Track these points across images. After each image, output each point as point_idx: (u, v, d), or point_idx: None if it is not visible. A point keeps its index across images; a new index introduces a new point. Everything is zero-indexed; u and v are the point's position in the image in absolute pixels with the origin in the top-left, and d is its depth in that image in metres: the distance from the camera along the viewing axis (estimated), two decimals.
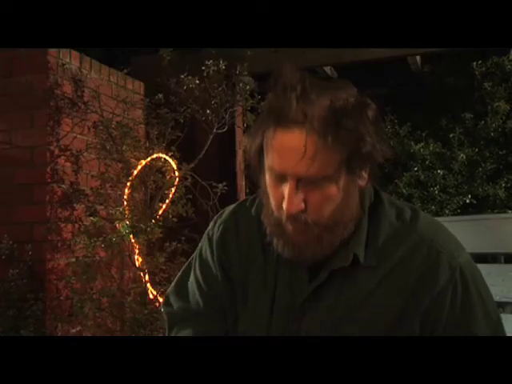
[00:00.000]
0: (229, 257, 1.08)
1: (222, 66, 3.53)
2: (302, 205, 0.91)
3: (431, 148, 5.48)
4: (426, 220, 1.00)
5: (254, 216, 1.06)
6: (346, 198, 0.93)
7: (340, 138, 0.87)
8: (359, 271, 0.96)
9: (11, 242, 3.18)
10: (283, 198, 0.91)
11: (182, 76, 3.52)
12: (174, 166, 3.32)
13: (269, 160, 0.93)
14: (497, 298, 2.22)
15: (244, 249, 1.07)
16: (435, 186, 5.43)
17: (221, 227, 1.11)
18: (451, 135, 5.55)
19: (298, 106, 0.87)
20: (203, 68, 3.55)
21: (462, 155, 5.41)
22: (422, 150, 5.50)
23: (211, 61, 3.52)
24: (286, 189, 0.91)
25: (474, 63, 5.62)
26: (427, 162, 5.54)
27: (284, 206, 0.91)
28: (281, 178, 0.92)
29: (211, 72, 3.52)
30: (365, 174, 0.95)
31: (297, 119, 0.87)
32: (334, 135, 0.86)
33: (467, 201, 5.33)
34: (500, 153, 5.52)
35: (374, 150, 0.90)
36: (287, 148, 0.88)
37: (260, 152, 0.95)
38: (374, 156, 0.91)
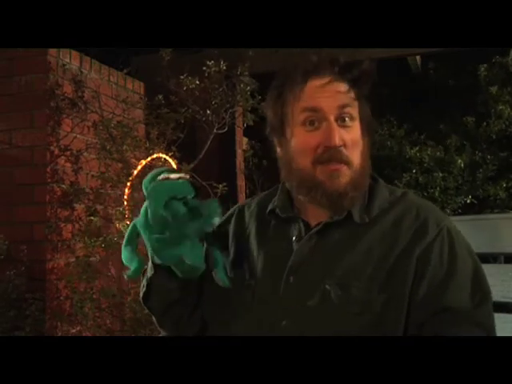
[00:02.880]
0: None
1: (223, 66, 3.53)
2: (342, 141, 1.01)
3: (429, 152, 5.49)
4: (414, 195, 1.12)
5: (254, 201, 1.21)
6: (367, 147, 1.06)
7: (360, 89, 1.04)
8: (353, 229, 1.04)
9: (6, 243, 3.18)
10: (320, 142, 1.01)
11: (182, 77, 3.52)
12: (174, 166, 3.32)
13: (306, 104, 1.03)
14: (497, 298, 2.22)
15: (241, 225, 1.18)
16: (435, 187, 5.43)
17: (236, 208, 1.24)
18: (448, 141, 5.55)
19: (325, 59, 1.05)
20: (204, 68, 3.55)
21: (459, 161, 5.42)
22: (417, 153, 5.51)
23: (212, 61, 3.52)
24: (325, 129, 1.01)
25: (482, 68, 5.62)
26: (425, 165, 5.55)
27: (328, 142, 1.00)
28: (313, 125, 1.02)
29: (212, 72, 3.52)
30: (369, 133, 1.08)
31: (327, 70, 1.03)
32: (356, 85, 1.03)
33: (468, 201, 5.33)
34: (501, 154, 5.52)
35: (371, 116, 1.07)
36: (324, 87, 1.02)
37: (285, 115, 1.06)
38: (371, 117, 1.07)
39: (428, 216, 1.04)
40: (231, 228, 1.18)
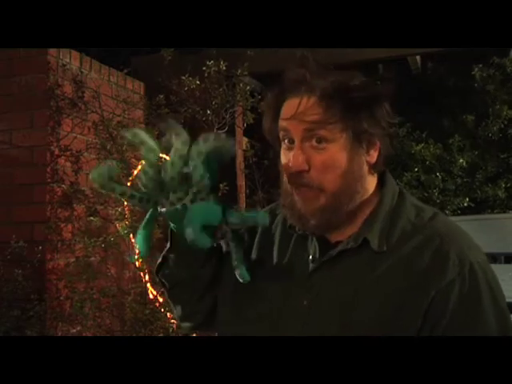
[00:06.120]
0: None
1: (223, 66, 3.53)
2: (306, 165, 0.96)
3: (431, 150, 5.49)
4: (444, 219, 1.02)
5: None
6: (352, 169, 0.98)
7: (339, 105, 0.95)
8: (370, 256, 0.98)
9: (21, 243, 3.17)
10: (288, 163, 0.98)
11: (184, 77, 3.52)
12: None
13: (280, 123, 1.00)
14: None
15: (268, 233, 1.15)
16: (434, 188, 5.43)
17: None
18: (450, 140, 5.55)
19: (301, 77, 0.98)
20: (204, 68, 3.55)
21: (461, 160, 5.42)
22: (422, 150, 5.51)
23: (212, 61, 3.52)
24: (293, 150, 0.98)
25: (476, 68, 5.62)
26: (427, 163, 5.55)
27: (289, 165, 0.97)
28: (291, 143, 0.99)
29: (212, 72, 3.52)
30: (374, 152, 1.00)
31: (301, 89, 0.97)
32: (333, 101, 0.95)
33: (465, 204, 5.34)
34: (501, 156, 5.53)
35: (373, 128, 0.97)
36: (292, 108, 0.97)
37: (275, 130, 1.03)
38: (372, 132, 0.98)
39: (450, 249, 0.94)
40: (259, 230, 1.16)
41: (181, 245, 1.03)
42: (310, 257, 1.04)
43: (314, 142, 0.96)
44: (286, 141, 1.00)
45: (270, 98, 1.04)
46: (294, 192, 0.99)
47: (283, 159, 1.01)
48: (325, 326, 0.98)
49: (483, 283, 0.93)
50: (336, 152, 0.96)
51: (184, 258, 1.09)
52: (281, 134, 1.01)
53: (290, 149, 0.99)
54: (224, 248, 1.11)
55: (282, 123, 1.00)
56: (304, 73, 0.99)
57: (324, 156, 0.96)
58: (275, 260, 1.09)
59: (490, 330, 0.91)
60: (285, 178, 1.02)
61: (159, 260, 1.14)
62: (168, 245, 1.10)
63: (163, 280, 1.16)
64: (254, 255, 1.13)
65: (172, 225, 1.03)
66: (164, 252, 1.12)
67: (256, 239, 1.15)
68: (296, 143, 0.97)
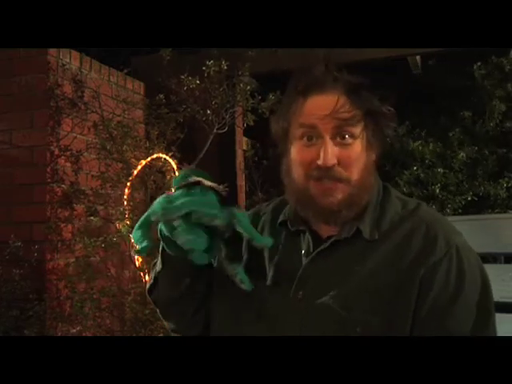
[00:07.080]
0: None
1: (224, 66, 3.54)
2: (336, 160, 0.99)
3: (430, 147, 5.50)
4: (427, 209, 1.08)
5: (269, 208, 1.19)
6: (370, 164, 1.04)
7: (362, 103, 1.00)
8: (363, 245, 1.01)
9: (19, 243, 3.17)
10: (314, 158, 0.99)
11: (183, 76, 3.52)
12: (174, 166, 3.32)
13: (304, 120, 1.02)
14: (496, 299, 2.22)
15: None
16: (436, 184, 5.43)
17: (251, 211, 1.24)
18: (451, 134, 5.56)
19: (328, 75, 1.03)
20: (204, 68, 3.55)
21: (461, 154, 5.43)
22: (420, 148, 5.52)
23: (212, 61, 3.52)
24: (321, 146, 0.99)
25: (475, 66, 5.64)
26: (427, 161, 5.56)
27: (320, 161, 0.98)
28: (310, 140, 1.01)
29: (212, 72, 3.53)
30: (375, 148, 1.05)
31: (328, 85, 1.02)
32: (358, 99, 1.00)
33: (469, 198, 5.34)
34: (499, 151, 5.53)
35: (386, 126, 1.04)
36: (325, 105, 1.00)
37: (287, 128, 1.05)
38: (385, 129, 1.04)
39: (437, 233, 0.99)
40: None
41: (173, 261, 1.03)
42: (303, 251, 1.06)
43: (338, 138, 1.00)
44: (305, 138, 1.01)
45: (292, 95, 1.05)
46: (311, 186, 1.01)
47: (301, 156, 1.02)
48: (322, 316, 0.99)
49: (468, 262, 0.98)
50: (358, 147, 1.01)
51: (176, 275, 1.08)
52: (300, 130, 1.02)
53: (309, 146, 1.01)
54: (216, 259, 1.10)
55: (308, 120, 1.01)
56: (336, 71, 1.03)
57: (350, 151, 1.00)
58: (267, 259, 1.10)
59: (472, 304, 0.95)
60: (297, 175, 1.03)
61: (150, 282, 1.13)
62: (159, 266, 1.09)
63: (157, 301, 1.16)
64: (244, 258, 1.11)
65: (164, 241, 1.01)
66: (155, 273, 1.11)
67: (244, 242, 1.13)
68: (326, 139, 0.99)
